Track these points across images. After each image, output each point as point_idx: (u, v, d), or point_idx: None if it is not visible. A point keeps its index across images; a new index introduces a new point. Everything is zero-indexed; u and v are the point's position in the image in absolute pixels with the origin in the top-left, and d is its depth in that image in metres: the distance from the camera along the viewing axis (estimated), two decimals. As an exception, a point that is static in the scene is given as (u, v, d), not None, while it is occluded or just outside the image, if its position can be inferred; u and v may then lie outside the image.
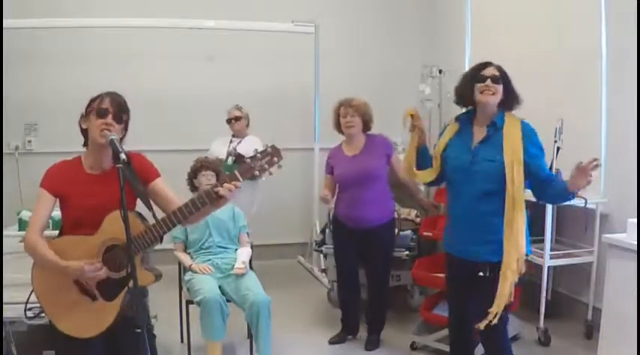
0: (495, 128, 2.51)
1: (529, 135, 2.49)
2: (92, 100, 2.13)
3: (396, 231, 3.91)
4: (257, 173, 1.99)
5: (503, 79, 2.51)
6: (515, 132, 2.47)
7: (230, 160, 4.57)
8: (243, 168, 2.00)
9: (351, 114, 3.53)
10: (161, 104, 5.15)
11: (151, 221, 2.09)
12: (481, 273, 2.50)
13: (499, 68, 2.54)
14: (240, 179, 1.99)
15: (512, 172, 2.41)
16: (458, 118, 2.66)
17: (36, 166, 4.88)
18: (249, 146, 4.65)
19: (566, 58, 3.98)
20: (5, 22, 4.27)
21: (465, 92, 2.57)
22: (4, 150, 5.13)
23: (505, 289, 2.41)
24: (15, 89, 4.99)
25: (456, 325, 2.80)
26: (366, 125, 3.60)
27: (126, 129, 2.18)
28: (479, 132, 2.56)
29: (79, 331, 2.10)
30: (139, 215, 2.11)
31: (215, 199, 2.02)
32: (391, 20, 5.92)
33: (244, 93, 5.24)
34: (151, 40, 5.19)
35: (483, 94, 2.49)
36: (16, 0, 4.67)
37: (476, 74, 2.53)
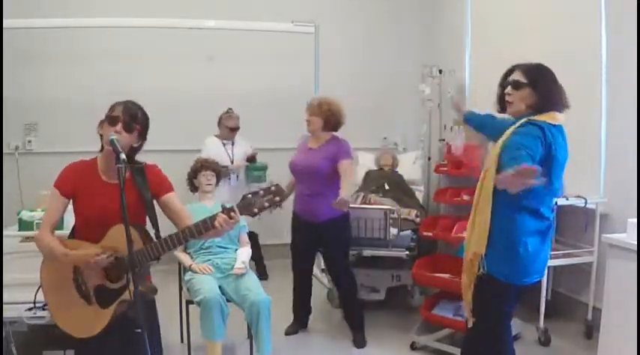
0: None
1: (516, 129, 2.32)
2: (110, 108, 2.14)
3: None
4: (256, 210, 1.98)
5: (531, 81, 2.36)
6: (508, 133, 2.34)
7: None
8: (243, 203, 1.99)
9: (309, 113, 3.69)
10: (161, 104, 5.09)
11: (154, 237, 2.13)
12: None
13: (528, 70, 2.39)
14: (238, 213, 1.99)
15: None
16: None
17: (36, 166, 4.98)
18: (243, 148, 4.91)
19: (566, 58, 3.97)
20: (5, 22, 4.26)
21: (501, 100, 2.48)
22: (4, 150, 5.13)
23: None
24: (15, 89, 4.99)
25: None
26: (328, 125, 3.67)
27: (142, 138, 2.17)
28: None
29: (72, 330, 2.14)
30: (143, 232, 2.12)
31: (210, 229, 2.02)
32: (391, 20, 5.92)
33: (244, 93, 5.26)
34: (151, 40, 5.19)
35: (507, 105, 2.42)
36: (16, 0, 4.67)
37: (503, 80, 2.47)
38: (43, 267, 2.20)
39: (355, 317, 3.80)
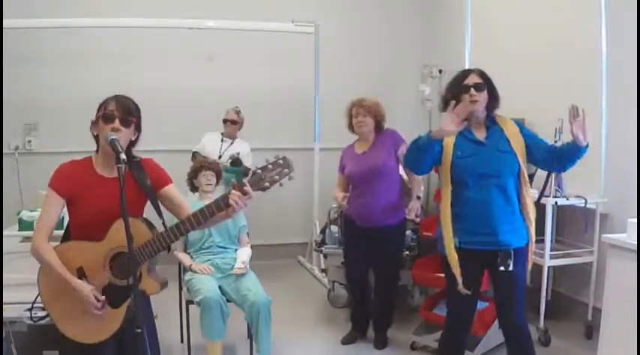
0: (493, 123, 2.66)
1: (521, 127, 2.70)
2: (100, 106, 2.09)
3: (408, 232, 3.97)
4: (267, 184, 1.94)
5: (487, 83, 2.62)
6: (512, 127, 2.66)
7: (228, 164, 4.67)
8: (253, 178, 1.95)
9: (362, 114, 3.57)
10: (160, 104, 5.13)
11: (160, 228, 2.07)
12: (502, 268, 2.60)
13: (481, 74, 2.64)
14: (251, 190, 1.95)
15: (523, 162, 2.61)
16: None
17: (36, 166, 4.99)
18: (238, 150, 4.76)
19: (566, 57, 3.98)
20: (5, 22, 4.27)
21: (449, 100, 2.61)
22: (4, 150, 5.13)
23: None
24: (15, 89, 4.99)
25: (463, 323, 2.80)
26: (378, 124, 3.62)
27: (138, 130, 2.13)
28: (478, 131, 2.66)
29: (84, 337, 2.07)
30: (147, 222, 2.08)
31: (223, 209, 1.98)
32: (391, 20, 5.92)
33: (244, 93, 5.26)
34: (151, 40, 5.20)
35: (471, 104, 2.57)
36: (16, 0, 4.67)
37: (459, 84, 2.62)
38: (42, 277, 2.11)
39: (384, 318, 3.75)
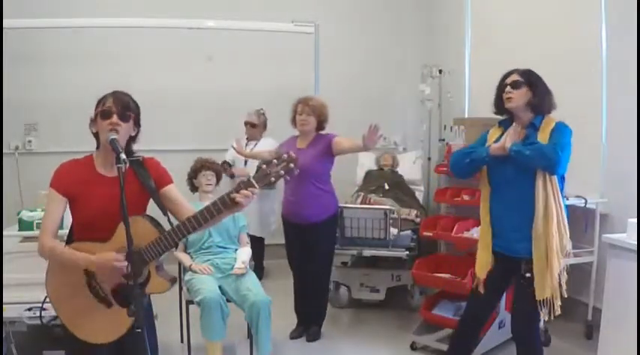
0: (534, 129, 2.63)
1: (557, 129, 2.60)
2: (98, 102, 2.08)
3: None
4: (273, 179, 1.94)
5: (528, 82, 2.61)
6: (547, 131, 2.60)
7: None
8: (259, 174, 1.94)
9: (307, 113, 3.64)
10: (160, 104, 5.13)
11: (165, 225, 2.05)
12: (528, 274, 2.63)
13: (523, 73, 2.64)
14: (257, 185, 1.95)
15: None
16: (501, 123, 2.77)
17: (36, 166, 4.99)
18: (266, 149, 4.78)
19: (566, 58, 3.98)
20: (5, 22, 4.26)
21: (498, 102, 2.71)
22: (4, 150, 5.12)
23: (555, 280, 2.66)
24: (15, 89, 4.98)
25: (477, 323, 2.91)
26: (320, 125, 3.71)
27: (138, 125, 2.12)
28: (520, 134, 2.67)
29: (96, 337, 2.06)
30: (153, 220, 2.06)
31: (230, 206, 1.96)
32: (391, 20, 5.92)
33: (244, 93, 5.26)
34: (151, 40, 5.19)
35: (506, 101, 2.63)
36: (16, 0, 4.66)
37: (501, 83, 2.68)
38: (50, 279, 2.10)
39: (320, 313, 3.85)
